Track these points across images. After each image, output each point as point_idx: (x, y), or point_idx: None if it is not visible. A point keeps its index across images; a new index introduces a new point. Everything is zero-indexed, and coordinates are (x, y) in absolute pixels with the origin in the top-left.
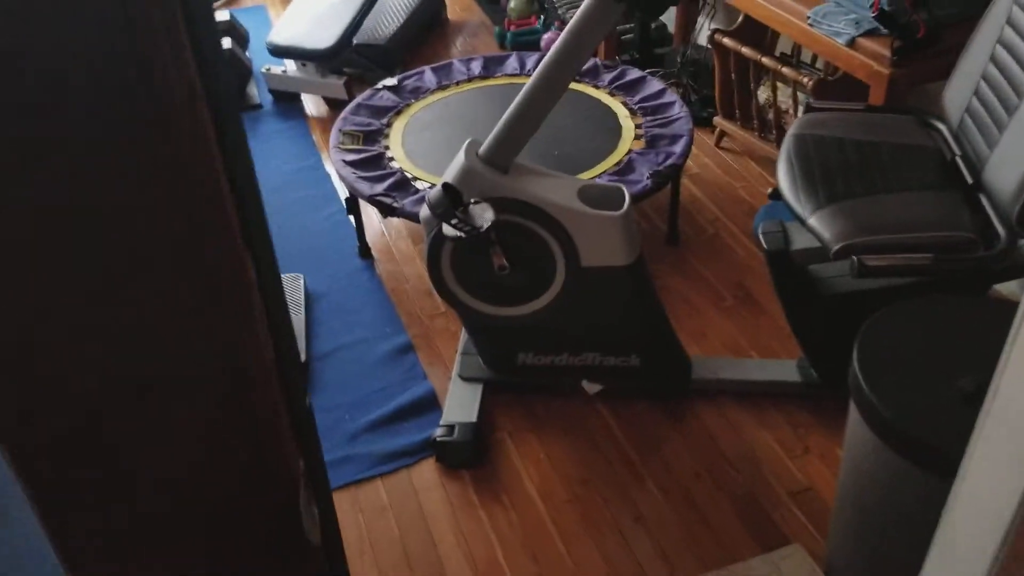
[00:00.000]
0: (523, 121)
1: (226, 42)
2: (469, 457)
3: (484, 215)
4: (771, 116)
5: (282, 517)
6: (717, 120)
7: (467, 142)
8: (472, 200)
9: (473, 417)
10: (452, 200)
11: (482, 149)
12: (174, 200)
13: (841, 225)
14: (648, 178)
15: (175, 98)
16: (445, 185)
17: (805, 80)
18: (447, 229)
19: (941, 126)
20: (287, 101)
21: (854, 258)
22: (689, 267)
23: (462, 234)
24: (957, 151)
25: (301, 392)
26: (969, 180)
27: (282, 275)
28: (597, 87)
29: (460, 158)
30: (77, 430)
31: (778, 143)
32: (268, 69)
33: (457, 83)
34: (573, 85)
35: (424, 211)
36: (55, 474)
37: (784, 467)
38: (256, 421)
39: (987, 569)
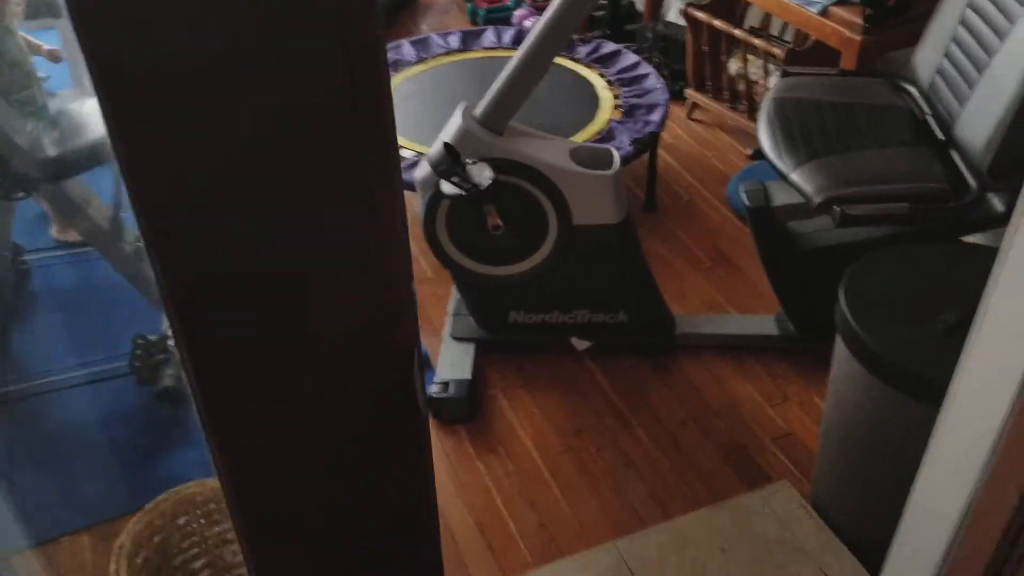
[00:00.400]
0: (518, 85)
1: None
2: (465, 412)
3: (483, 174)
4: (742, 87)
5: (402, 387)
6: (689, 92)
7: (463, 105)
8: (470, 160)
9: (467, 374)
10: (452, 158)
11: (477, 111)
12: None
13: (822, 179)
14: (630, 144)
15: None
16: (446, 144)
17: (775, 51)
18: (446, 187)
19: (911, 88)
20: None
21: (836, 208)
22: (667, 232)
23: (463, 192)
24: (928, 111)
25: (410, 277)
26: (941, 137)
27: None
28: (575, 60)
29: (456, 120)
30: (240, 299)
31: (749, 114)
32: None
33: (435, 56)
34: None
35: (420, 172)
36: (214, 338)
37: (765, 415)
38: (390, 300)
39: (974, 485)
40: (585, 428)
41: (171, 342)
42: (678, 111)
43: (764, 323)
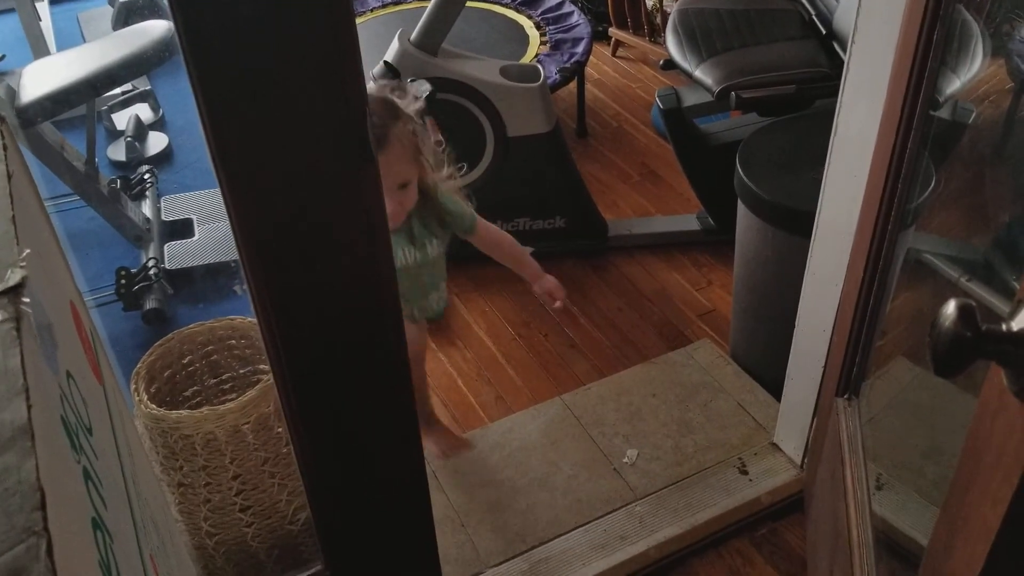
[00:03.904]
0: (445, 8)
1: None
2: None
3: (422, 87)
4: (659, 20)
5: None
6: (612, 31)
7: (400, 31)
8: (409, 79)
9: None
10: (393, 75)
11: (413, 36)
12: None
13: (720, 71)
14: (557, 73)
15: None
16: (386, 62)
17: None
18: None
19: None
20: None
21: (733, 94)
22: (598, 154)
23: None
24: (812, 10)
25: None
26: (823, 31)
27: None
28: (503, 5)
29: (395, 43)
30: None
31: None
32: None
33: (372, 9)
34: (481, 4)
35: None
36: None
37: (692, 297)
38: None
39: (839, 287)
40: (533, 320)
41: (152, 271)
42: (603, 51)
43: (687, 221)
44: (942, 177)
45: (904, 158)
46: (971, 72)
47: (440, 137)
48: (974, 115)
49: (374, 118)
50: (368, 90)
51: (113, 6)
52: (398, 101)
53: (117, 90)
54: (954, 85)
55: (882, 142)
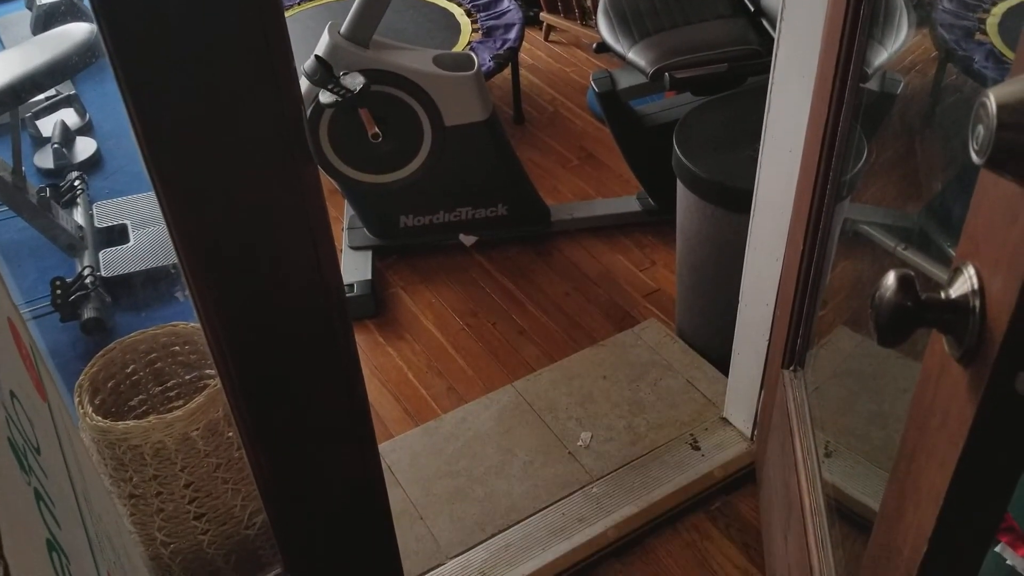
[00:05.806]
0: None
1: None
2: (370, 307)
3: (355, 80)
4: (589, 3)
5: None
6: (543, 15)
7: (328, 24)
8: (342, 72)
9: (368, 275)
10: (325, 69)
11: (343, 28)
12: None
13: (654, 53)
14: (490, 60)
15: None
16: (317, 56)
17: None
18: (324, 96)
19: None
20: None
21: (667, 74)
22: (537, 139)
23: (339, 98)
24: None
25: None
26: (751, 9)
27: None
28: None
29: (325, 37)
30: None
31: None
32: None
33: (300, 3)
34: None
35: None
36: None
37: (637, 278)
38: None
39: (780, 261)
40: (480, 309)
41: (88, 280)
42: (536, 36)
43: (627, 203)
44: (874, 148)
45: (837, 131)
46: (898, 43)
47: (376, 130)
48: (902, 85)
49: None
50: None
51: (32, 10)
52: None
53: (40, 96)
54: (882, 57)
55: (815, 116)
